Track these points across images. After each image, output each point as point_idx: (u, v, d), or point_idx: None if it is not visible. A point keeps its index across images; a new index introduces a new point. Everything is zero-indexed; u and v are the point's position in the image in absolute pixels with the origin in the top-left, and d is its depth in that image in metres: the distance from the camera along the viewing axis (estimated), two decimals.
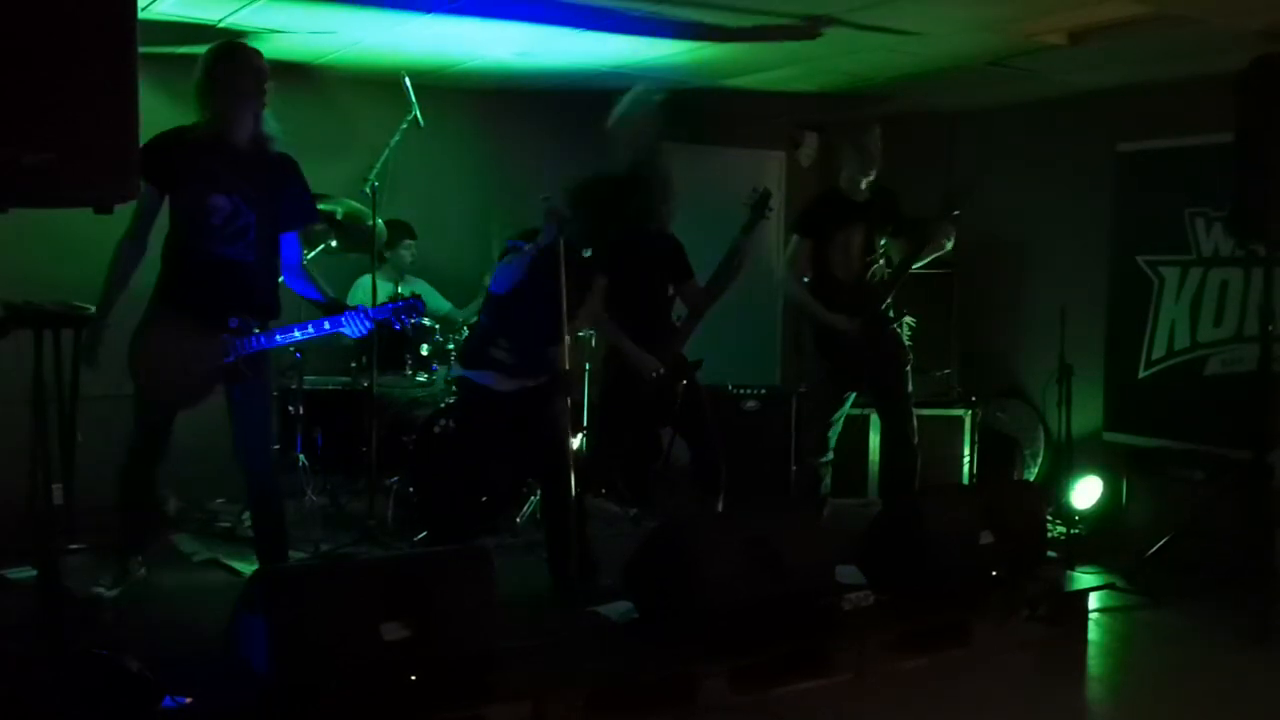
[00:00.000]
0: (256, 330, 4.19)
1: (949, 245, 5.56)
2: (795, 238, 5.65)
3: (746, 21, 5.20)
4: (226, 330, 4.15)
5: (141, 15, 3.15)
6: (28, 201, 2.61)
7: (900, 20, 5.12)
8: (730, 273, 5.19)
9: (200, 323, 4.15)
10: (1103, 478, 6.20)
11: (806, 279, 5.60)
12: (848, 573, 4.58)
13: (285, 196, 4.29)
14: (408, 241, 6.33)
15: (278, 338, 4.22)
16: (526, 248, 4.45)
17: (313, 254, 5.76)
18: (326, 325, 4.23)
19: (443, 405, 5.69)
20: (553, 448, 4.52)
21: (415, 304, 4.33)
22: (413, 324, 4.44)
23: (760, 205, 5.19)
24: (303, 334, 4.24)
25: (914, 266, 5.56)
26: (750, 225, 5.18)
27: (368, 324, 4.24)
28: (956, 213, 5.54)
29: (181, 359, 4.15)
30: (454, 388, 5.40)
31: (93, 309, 4.23)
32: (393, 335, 5.78)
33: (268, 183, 4.23)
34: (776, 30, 5.34)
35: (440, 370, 5.97)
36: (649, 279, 5.24)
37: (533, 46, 5.83)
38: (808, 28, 5.27)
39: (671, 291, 5.32)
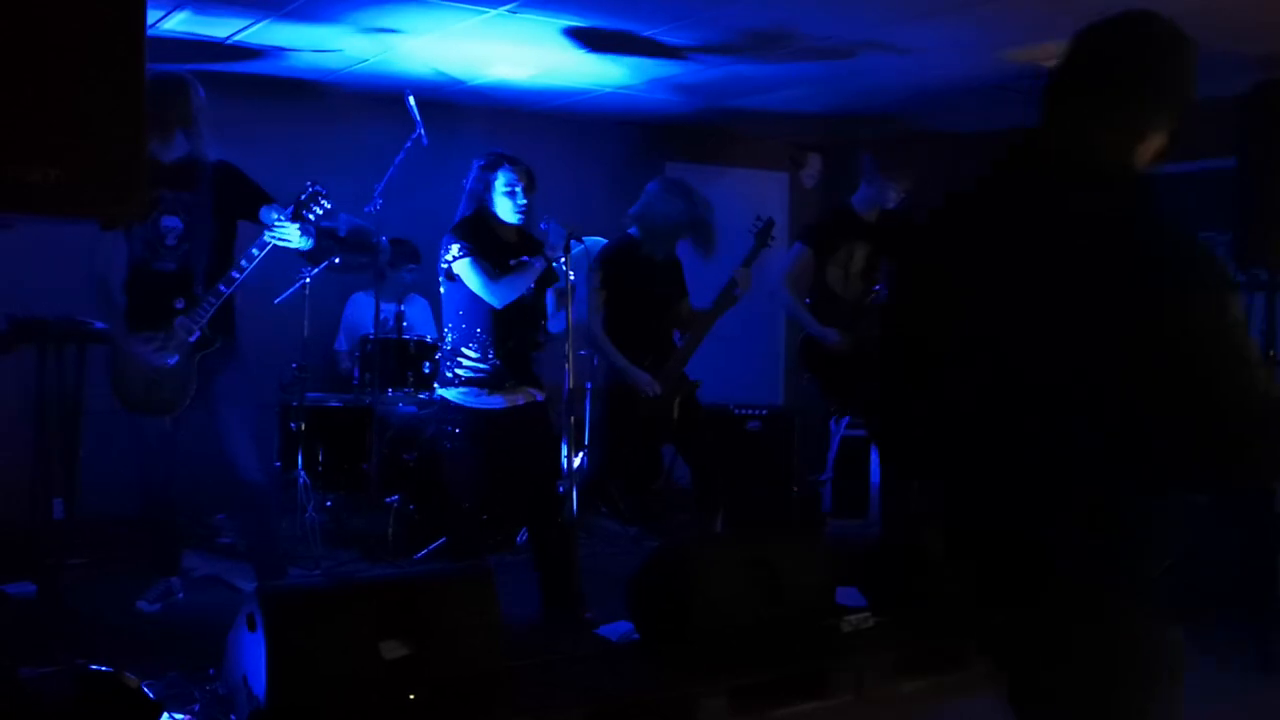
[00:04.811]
0: (205, 295, 4.33)
1: None
2: (796, 246, 5.65)
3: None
4: (176, 314, 4.31)
5: (150, 32, 3.18)
6: (35, 217, 2.61)
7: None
8: (726, 301, 5.22)
9: (156, 323, 4.32)
10: None
11: (809, 300, 5.60)
12: (848, 594, 4.57)
13: (230, 198, 4.43)
14: (411, 266, 6.31)
15: (222, 289, 4.33)
16: (526, 260, 4.46)
17: (316, 270, 5.76)
18: (258, 249, 4.32)
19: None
20: (541, 489, 4.49)
21: (319, 190, 4.35)
22: (319, 215, 4.41)
23: (764, 234, 5.26)
24: (248, 263, 4.33)
25: None
26: (753, 254, 5.23)
27: (284, 219, 4.31)
28: None
29: (153, 362, 4.32)
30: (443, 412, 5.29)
31: (97, 324, 4.27)
32: (395, 351, 5.78)
33: (211, 193, 4.38)
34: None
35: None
36: (650, 297, 5.24)
37: (544, 67, 5.86)
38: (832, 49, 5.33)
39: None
